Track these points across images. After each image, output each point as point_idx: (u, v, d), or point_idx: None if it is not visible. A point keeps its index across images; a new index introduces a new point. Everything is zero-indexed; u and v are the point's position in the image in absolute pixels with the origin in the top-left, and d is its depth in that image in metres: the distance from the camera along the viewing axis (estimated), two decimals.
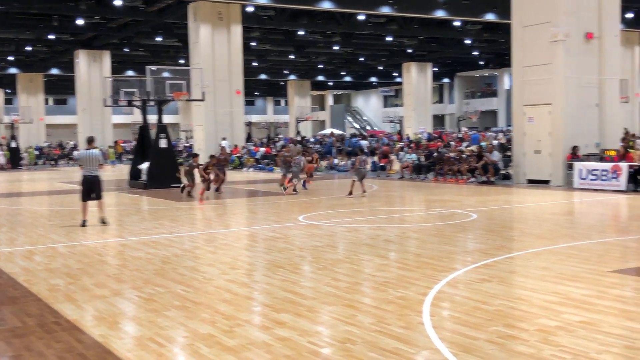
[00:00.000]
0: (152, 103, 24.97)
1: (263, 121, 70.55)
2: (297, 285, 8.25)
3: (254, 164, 36.56)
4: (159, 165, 24.09)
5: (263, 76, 67.19)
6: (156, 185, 23.61)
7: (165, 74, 26.70)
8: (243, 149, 37.97)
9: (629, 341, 5.82)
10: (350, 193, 19.24)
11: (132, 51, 49.97)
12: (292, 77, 69.62)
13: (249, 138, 40.58)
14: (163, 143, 24.37)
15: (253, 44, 45.17)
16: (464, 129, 52.66)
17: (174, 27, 40.25)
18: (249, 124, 46.36)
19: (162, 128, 24.69)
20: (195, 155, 21.96)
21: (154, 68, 25.12)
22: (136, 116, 46.73)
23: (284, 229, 13.24)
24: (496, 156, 23.87)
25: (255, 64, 56.69)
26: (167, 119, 35.67)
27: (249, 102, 79.69)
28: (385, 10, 34.74)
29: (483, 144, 29.54)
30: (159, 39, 43.70)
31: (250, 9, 35.42)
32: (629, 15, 40.17)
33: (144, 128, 25.88)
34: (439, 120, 71.58)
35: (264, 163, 36.26)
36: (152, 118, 26.08)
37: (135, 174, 25.18)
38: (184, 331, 6.45)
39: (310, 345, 5.90)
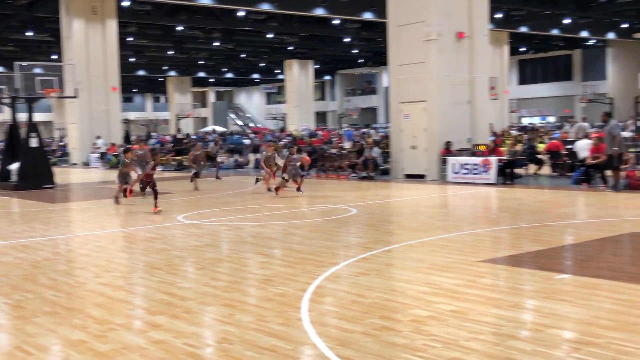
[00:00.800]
0: (21, 100, 23.83)
1: (142, 118, 68.85)
2: (174, 287, 8.09)
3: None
4: (30, 165, 23.05)
5: (141, 72, 65.53)
6: (27, 186, 22.55)
7: (37, 70, 25.56)
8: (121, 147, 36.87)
9: (496, 328, 6.09)
10: (299, 189, 18.38)
11: (1, 46, 47.43)
12: (172, 73, 68.30)
13: (127, 136, 39.49)
14: (34, 142, 23.31)
15: (130, 39, 43.96)
16: (345, 125, 53.56)
17: (46, 21, 38.53)
18: (126, 122, 45.11)
19: (32, 126, 23.60)
20: (128, 151, 17.85)
21: (23, 64, 24.02)
22: (6, 114, 44.42)
23: (162, 230, 12.96)
24: (376, 152, 24.40)
25: (132, 59, 55.19)
26: (39, 117, 34.19)
27: (127, 99, 77.52)
28: (265, 7, 34.73)
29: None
30: (29, 33, 41.72)
31: (126, 3, 34.42)
32: (498, 16, 42.05)
33: (14, 127, 24.62)
34: (321, 117, 72.45)
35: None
36: (23, 116, 24.86)
37: (4, 175, 23.93)
38: (54, 338, 6.18)
39: (187, 347, 5.80)
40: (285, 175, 18.40)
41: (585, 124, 30.78)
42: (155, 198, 15.51)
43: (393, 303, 7.12)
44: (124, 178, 17.46)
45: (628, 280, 7.69)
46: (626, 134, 25.86)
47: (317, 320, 6.46)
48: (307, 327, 6.25)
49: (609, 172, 17.86)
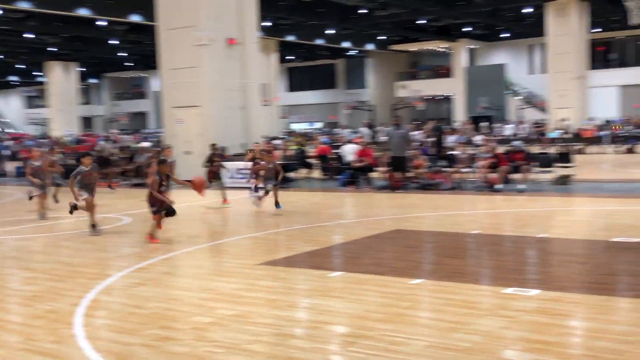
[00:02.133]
0: None
1: None
2: None
3: None
4: None
5: None
6: None
7: None
8: None
9: (277, 329, 6.23)
10: (277, 203, 14.89)
11: None
12: None
13: None
14: None
15: None
16: (113, 131, 51.71)
17: None
18: None
19: None
20: (87, 154, 14.14)
21: None
22: None
23: None
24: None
25: None
26: None
27: None
28: (24, 5, 32.45)
29: (134, 146, 29.28)
30: None
31: None
32: (267, 24, 43.14)
33: None
34: (87, 122, 69.19)
35: None
36: None
37: None
38: None
39: None
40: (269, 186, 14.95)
41: (367, 130, 32.62)
42: None
43: (173, 312, 6.99)
44: None
45: (394, 274, 8.25)
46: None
47: (93, 335, 6.15)
48: (82, 343, 5.93)
49: (371, 174, 19.01)
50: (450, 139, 24.13)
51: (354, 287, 7.71)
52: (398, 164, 18.39)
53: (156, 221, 11.34)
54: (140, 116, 68.69)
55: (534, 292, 7.19)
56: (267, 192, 15.08)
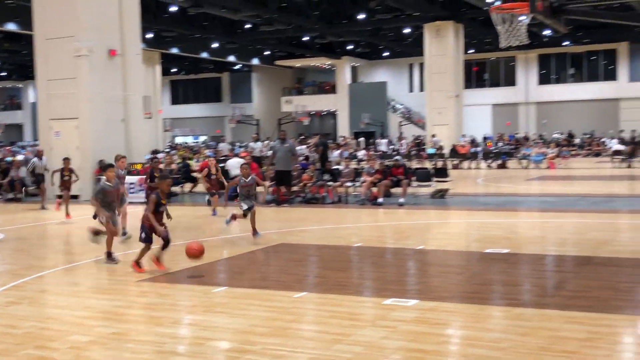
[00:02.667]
0: None
1: None
2: None
3: None
4: None
5: None
6: None
7: None
8: None
9: (159, 346, 6.12)
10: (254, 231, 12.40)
11: None
12: None
13: None
14: None
15: None
16: None
17: None
18: None
19: None
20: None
21: None
22: None
23: None
24: (23, 172, 22.79)
25: None
26: None
27: None
28: None
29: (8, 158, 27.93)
30: None
31: None
32: (149, 36, 42.41)
33: None
34: None
35: None
36: None
37: None
38: None
39: None
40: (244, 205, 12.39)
41: (258, 144, 32.59)
42: None
43: (49, 331, 6.73)
44: None
45: (278, 288, 8.31)
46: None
47: None
48: None
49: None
50: (334, 154, 24.60)
51: (238, 302, 7.70)
52: (283, 178, 18.54)
53: (144, 248, 9.62)
54: (16, 128, 65.61)
55: (413, 302, 7.45)
56: (244, 214, 12.35)
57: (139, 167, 21.37)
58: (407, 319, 6.81)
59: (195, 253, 9.41)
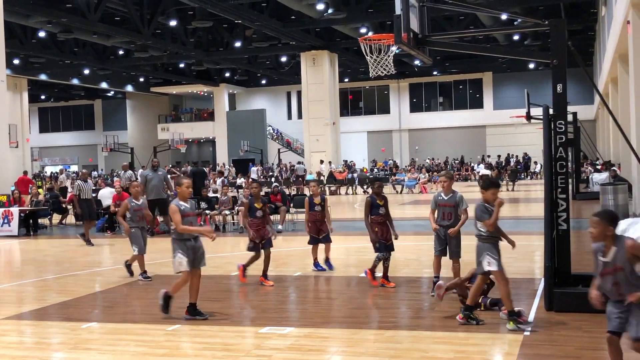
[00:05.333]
0: None
1: None
2: None
3: None
4: None
5: None
6: None
7: None
8: None
9: None
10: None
11: None
12: None
13: None
14: None
15: None
16: None
17: None
18: None
19: None
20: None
21: None
22: None
23: None
24: None
25: None
26: None
27: None
28: None
29: None
30: None
31: None
32: (16, 62, 40.71)
33: None
34: None
35: None
36: None
37: None
38: None
39: None
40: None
41: (130, 172, 31.54)
42: None
43: None
44: None
45: (150, 322, 8.08)
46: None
47: None
48: None
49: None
50: (217, 182, 24.37)
51: (108, 338, 7.42)
52: (159, 206, 18.13)
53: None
54: None
55: (288, 329, 7.45)
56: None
57: (3, 198, 20.32)
58: (281, 346, 6.80)
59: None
